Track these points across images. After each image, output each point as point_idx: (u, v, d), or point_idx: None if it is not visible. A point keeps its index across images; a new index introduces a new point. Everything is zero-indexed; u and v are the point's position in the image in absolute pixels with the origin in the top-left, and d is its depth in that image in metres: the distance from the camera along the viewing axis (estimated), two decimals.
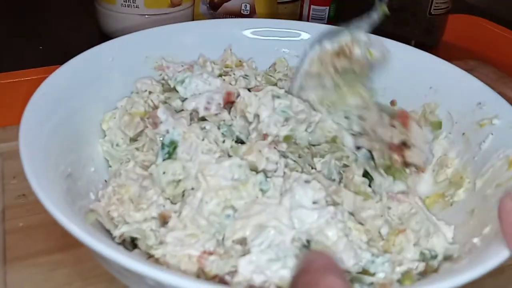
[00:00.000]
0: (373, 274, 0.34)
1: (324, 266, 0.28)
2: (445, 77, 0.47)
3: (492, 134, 0.41)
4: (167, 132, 0.40)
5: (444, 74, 0.48)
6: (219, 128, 0.42)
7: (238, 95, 0.44)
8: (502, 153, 0.39)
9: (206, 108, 0.43)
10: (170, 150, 0.39)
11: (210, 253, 0.33)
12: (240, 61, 0.52)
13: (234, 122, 0.43)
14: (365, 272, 0.34)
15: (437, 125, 0.46)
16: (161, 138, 0.40)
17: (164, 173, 0.38)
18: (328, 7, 0.76)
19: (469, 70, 0.47)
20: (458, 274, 0.28)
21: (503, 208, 0.32)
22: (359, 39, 0.45)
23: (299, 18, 0.78)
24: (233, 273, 0.32)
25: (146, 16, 0.71)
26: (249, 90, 0.45)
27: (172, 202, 0.37)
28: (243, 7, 0.75)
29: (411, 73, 0.49)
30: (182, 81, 0.45)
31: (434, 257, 0.36)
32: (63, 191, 0.34)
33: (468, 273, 0.28)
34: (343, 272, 0.30)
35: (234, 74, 0.49)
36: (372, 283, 0.33)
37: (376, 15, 0.45)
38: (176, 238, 0.34)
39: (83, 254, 0.40)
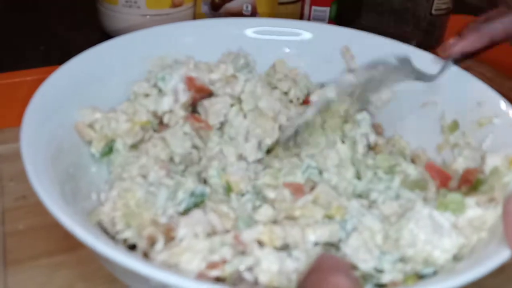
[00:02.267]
0: (382, 272, 0.34)
1: (332, 266, 0.29)
2: (444, 77, 0.47)
3: (492, 133, 0.41)
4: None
5: (443, 74, 0.47)
6: None
7: None
8: (502, 152, 0.39)
9: None
10: (198, 201, 0.38)
11: (214, 266, 0.32)
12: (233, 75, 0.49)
13: None
14: (376, 270, 0.34)
15: (455, 127, 0.45)
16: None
17: None
18: (329, 8, 0.76)
19: (465, 69, 0.47)
20: (459, 275, 0.28)
21: (507, 210, 0.32)
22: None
23: (300, 18, 0.78)
24: (251, 269, 0.32)
25: (148, 16, 0.70)
26: None
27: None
28: (244, 8, 0.75)
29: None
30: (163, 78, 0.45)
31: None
32: (65, 192, 0.34)
33: (468, 274, 0.28)
34: (352, 273, 0.30)
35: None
36: (383, 284, 0.34)
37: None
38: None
39: (85, 256, 0.40)
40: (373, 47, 0.50)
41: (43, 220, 0.36)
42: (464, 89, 0.46)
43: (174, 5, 0.71)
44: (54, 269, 0.39)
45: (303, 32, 0.53)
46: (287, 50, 0.53)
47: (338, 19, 0.78)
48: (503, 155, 0.39)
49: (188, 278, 0.27)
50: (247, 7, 0.75)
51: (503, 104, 0.43)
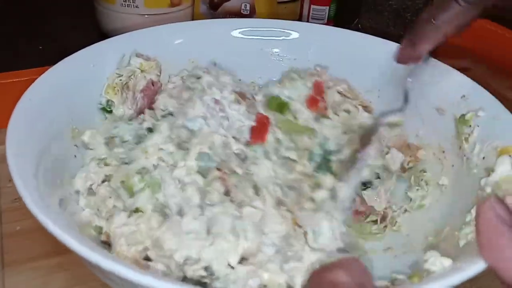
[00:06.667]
0: None
1: (341, 264, 0.28)
2: (431, 73, 0.47)
3: (478, 126, 0.42)
4: None
5: (431, 70, 0.47)
6: None
7: None
8: (489, 145, 0.39)
9: None
10: None
11: None
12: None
13: None
14: None
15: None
16: None
17: None
18: (328, 7, 0.76)
19: (463, 69, 0.47)
20: (459, 272, 0.29)
21: (481, 215, 0.28)
22: None
23: (299, 18, 0.78)
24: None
25: (146, 16, 0.70)
26: None
27: None
28: (243, 7, 0.75)
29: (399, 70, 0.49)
30: None
31: None
32: (54, 199, 0.34)
33: (468, 271, 0.29)
34: (364, 273, 0.29)
35: None
36: None
37: None
38: None
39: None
40: (365, 47, 0.51)
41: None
42: (448, 84, 0.46)
43: (173, 5, 0.71)
44: (51, 271, 0.39)
45: (291, 32, 0.53)
46: (276, 50, 0.53)
47: (337, 19, 0.77)
48: (490, 147, 0.39)
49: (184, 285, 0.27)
50: (245, 6, 0.75)
51: (486, 97, 0.43)
